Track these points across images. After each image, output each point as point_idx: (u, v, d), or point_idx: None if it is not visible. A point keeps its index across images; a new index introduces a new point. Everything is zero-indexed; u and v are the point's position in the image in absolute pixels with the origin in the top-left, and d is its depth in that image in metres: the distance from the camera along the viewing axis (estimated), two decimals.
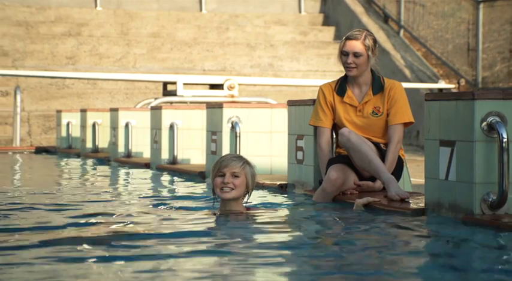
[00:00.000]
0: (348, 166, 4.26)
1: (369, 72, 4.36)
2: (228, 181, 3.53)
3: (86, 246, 2.97)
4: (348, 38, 4.29)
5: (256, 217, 3.58)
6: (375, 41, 4.33)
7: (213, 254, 2.83)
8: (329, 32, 13.99)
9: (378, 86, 4.35)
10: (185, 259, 2.77)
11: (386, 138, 4.35)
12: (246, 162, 3.63)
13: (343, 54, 4.30)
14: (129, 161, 7.71)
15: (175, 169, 6.63)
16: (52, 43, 12.47)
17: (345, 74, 4.41)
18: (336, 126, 4.43)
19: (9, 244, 3.02)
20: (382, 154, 4.27)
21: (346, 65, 4.29)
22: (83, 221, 3.58)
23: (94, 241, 3.08)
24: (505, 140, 3.31)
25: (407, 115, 4.33)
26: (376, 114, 4.34)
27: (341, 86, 4.39)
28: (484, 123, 3.37)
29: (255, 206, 3.83)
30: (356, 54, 4.26)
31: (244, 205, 3.65)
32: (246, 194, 3.63)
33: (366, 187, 4.29)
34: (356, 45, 4.26)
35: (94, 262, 2.66)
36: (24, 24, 12.75)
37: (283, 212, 3.91)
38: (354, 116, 4.36)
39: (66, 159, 9.02)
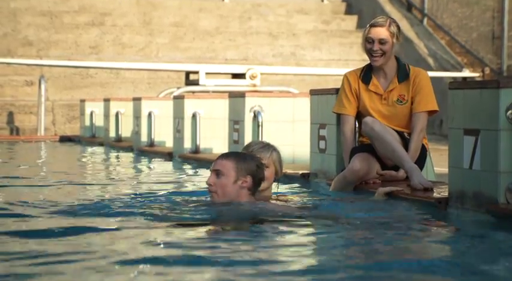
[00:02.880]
0: (371, 155, 4.24)
1: (393, 59, 4.32)
2: None
3: (106, 237, 3.00)
4: (373, 25, 4.24)
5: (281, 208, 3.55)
6: (398, 28, 4.28)
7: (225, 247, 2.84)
8: (352, 20, 13.90)
9: (403, 74, 4.31)
10: (206, 246, 2.78)
11: (410, 128, 4.31)
12: (273, 150, 3.63)
13: (368, 41, 4.25)
14: (152, 150, 7.75)
15: (198, 158, 6.65)
16: (76, 33, 12.55)
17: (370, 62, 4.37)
18: (360, 115, 4.40)
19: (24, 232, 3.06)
20: (406, 143, 4.24)
21: (371, 52, 4.25)
22: (103, 211, 3.61)
23: (114, 231, 3.11)
24: None
25: (432, 103, 4.29)
26: (401, 102, 4.30)
27: (366, 74, 4.36)
28: (509, 111, 3.33)
29: (283, 194, 3.83)
30: (382, 41, 4.21)
31: (274, 193, 3.65)
32: (275, 181, 3.64)
33: (389, 177, 4.27)
34: (381, 32, 4.22)
35: (112, 254, 2.69)
36: (49, 14, 12.84)
37: (307, 203, 3.89)
38: (379, 104, 4.33)
39: (89, 148, 9.09)
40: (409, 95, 4.30)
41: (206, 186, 3.43)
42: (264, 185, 3.55)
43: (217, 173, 3.34)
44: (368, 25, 4.29)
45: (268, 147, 3.64)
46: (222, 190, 3.33)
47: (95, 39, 12.53)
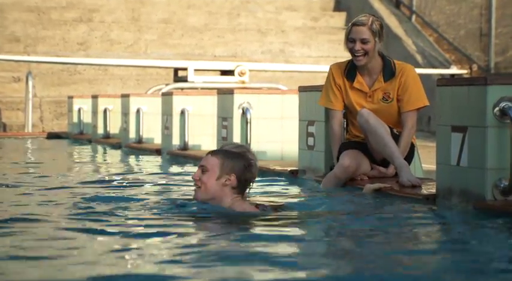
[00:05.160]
0: (360, 151, 4.24)
1: (378, 57, 4.29)
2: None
3: (91, 234, 2.99)
4: (355, 24, 4.19)
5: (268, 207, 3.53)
6: (381, 26, 4.22)
7: (214, 247, 2.84)
8: (340, 17, 13.91)
9: (389, 72, 4.29)
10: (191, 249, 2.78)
11: (398, 125, 4.32)
12: (247, 150, 3.52)
13: (349, 41, 4.22)
14: (140, 147, 7.73)
15: (186, 155, 6.64)
16: (63, 29, 12.48)
17: None
18: (347, 111, 4.40)
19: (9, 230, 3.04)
20: (395, 139, 4.24)
21: (354, 52, 4.23)
22: (89, 208, 3.59)
23: (101, 228, 3.10)
24: None
25: (422, 100, 4.28)
26: (386, 100, 4.30)
27: (350, 70, 4.33)
28: (497, 108, 3.35)
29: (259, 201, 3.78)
30: (363, 41, 4.17)
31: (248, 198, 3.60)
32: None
33: (378, 173, 4.28)
34: (363, 31, 4.17)
35: (97, 251, 2.68)
36: (36, 10, 12.76)
37: (295, 200, 3.89)
38: (364, 101, 4.32)
39: (77, 145, 9.05)
40: (395, 94, 4.28)
41: (193, 183, 3.42)
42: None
43: (202, 169, 3.35)
44: (350, 24, 4.24)
45: (242, 147, 3.51)
46: (204, 185, 3.33)
47: (83, 36, 12.47)
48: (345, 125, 4.45)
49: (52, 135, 10.23)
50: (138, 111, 7.93)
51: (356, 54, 4.21)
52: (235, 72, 10.19)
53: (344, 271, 2.40)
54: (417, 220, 3.37)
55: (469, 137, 3.44)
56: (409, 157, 4.29)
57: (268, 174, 4.95)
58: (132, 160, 7.10)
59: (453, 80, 3.77)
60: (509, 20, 11.28)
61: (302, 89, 5.00)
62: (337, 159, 4.27)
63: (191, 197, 3.52)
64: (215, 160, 3.34)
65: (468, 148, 3.45)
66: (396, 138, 4.23)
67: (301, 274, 2.37)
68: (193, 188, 3.43)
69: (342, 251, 2.69)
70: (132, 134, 8.06)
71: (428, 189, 3.85)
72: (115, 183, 4.78)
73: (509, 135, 3.31)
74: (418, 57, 11.85)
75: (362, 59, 4.21)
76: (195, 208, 3.37)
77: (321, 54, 12.89)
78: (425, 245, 2.85)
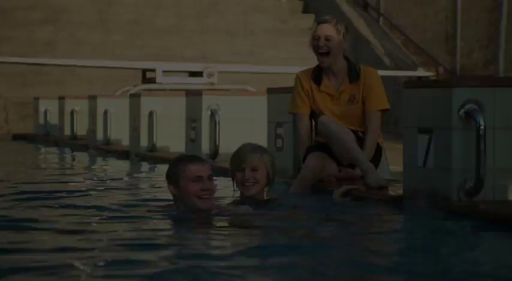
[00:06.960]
0: (326, 153, 4.27)
1: (343, 60, 4.32)
2: (248, 176, 3.46)
3: (63, 239, 2.96)
4: (320, 22, 4.27)
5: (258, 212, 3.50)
6: (346, 28, 4.30)
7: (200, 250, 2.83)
8: (309, 19, 13.97)
9: (354, 74, 4.33)
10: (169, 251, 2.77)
11: (363, 126, 4.34)
12: (263, 152, 3.54)
13: (314, 38, 4.25)
14: (108, 148, 7.67)
15: (154, 156, 6.61)
16: (29, 29, 12.32)
17: None
18: (314, 115, 4.42)
19: None
20: (361, 142, 4.27)
21: (318, 50, 4.25)
22: (56, 211, 3.55)
23: (73, 232, 3.06)
24: (482, 127, 3.33)
25: (383, 102, 4.32)
26: (352, 102, 4.33)
27: (317, 75, 4.36)
28: (462, 110, 3.40)
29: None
30: (328, 38, 4.21)
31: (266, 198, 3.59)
32: (268, 184, 3.55)
33: (346, 174, 4.30)
34: (328, 28, 4.22)
35: (69, 256, 2.65)
36: (1, 10, 12.58)
37: (266, 204, 3.88)
38: (331, 104, 4.35)
39: (43, 146, 8.94)
40: (360, 95, 4.32)
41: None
42: (256, 188, 3.49)
43: (211, 177, 3.29)
44: (315, 23, 4.30)
45: (260, 149, 3.55)
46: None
47: (49, 36, 12.32)
48: (314, 128, 4.46)
49: (17, 137, 10.09)
50: (105, 112, 7.86)
51: (320, 50, 4.23)
52: (204, 74, 10.17)
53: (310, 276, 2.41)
54: (383, 222, 3.39)
55: (435, 139, 3.48)
56: (377, 158, 4.33)
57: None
58: (99, 161, 7.04)
59: (420, 82, 3.82)
60: (474, 23, 11.46)
61: (271, 91, 5.01)
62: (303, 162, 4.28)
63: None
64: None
65: (434, 149, 3.49)
66: (361, 140, 4.26)
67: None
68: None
69: (306, 256, 2.69)
70: (99, 136, 7.99)
71: (395, 190, 3.88)
72: (82, 185, 4.73)
73: (474, 137, 3.36)
74: (386, 60, 11.96)
75: (325, 60, 4.24)
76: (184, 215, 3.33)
77: (290, 56, 12.93)
78: (390, 246, 2.87)
